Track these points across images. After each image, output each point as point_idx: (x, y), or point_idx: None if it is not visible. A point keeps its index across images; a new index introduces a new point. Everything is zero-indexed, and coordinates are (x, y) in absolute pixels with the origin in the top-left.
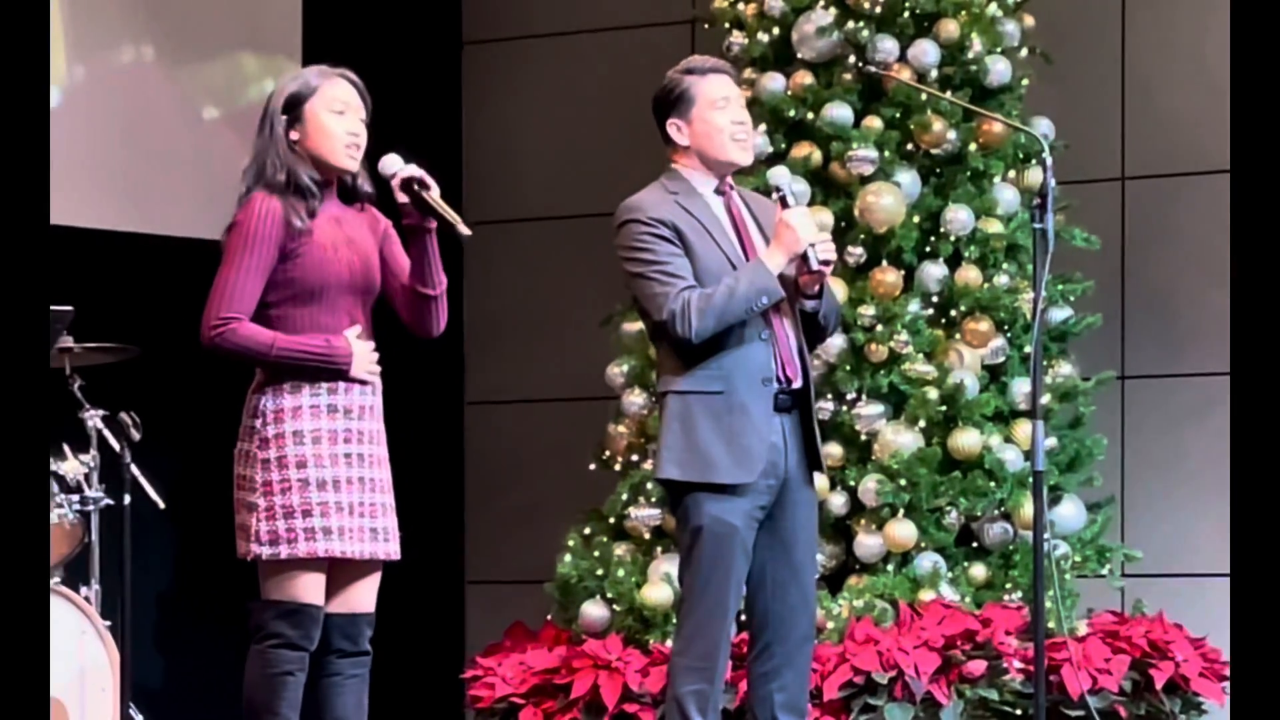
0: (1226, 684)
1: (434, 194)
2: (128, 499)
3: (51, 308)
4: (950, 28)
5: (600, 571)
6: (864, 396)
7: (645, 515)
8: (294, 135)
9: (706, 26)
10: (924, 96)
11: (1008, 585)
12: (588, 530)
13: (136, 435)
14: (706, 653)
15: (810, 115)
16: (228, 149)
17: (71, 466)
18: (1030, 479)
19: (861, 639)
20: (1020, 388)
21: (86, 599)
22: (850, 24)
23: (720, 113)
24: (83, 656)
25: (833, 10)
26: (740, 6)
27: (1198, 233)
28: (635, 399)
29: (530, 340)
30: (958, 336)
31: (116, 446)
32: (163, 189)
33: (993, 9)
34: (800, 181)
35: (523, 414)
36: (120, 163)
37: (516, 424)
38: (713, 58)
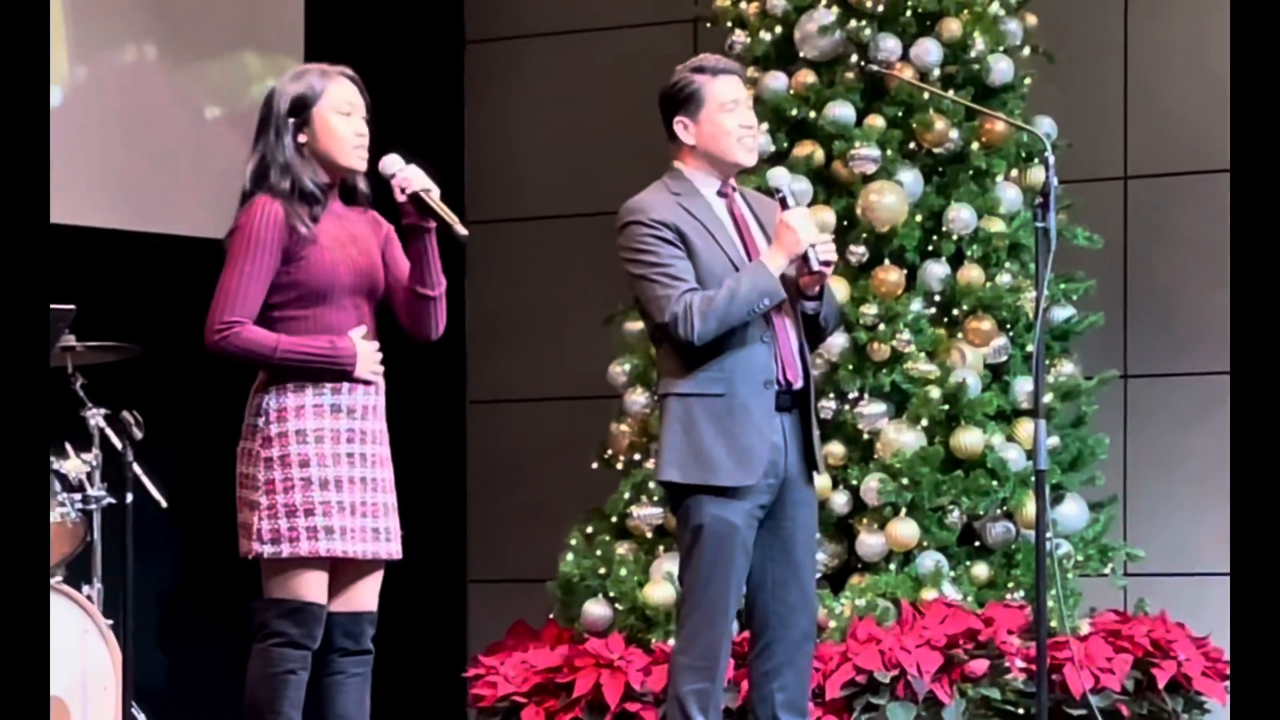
0: (1229, 683)
1: (434, 195)
2: (130, 498)
3: (53, 306)
4: (953, 27)
5: (602, 570)
6: (866, 395)
7: (647, 514)
8: (302, 138)
9: (709, 25)
10: (926, 95)
11: (1010, 584)
12: (590, 529)
13: (139, 434)
14: (708, 652)
15: (812, 114)
16: (230, 148)
17: (73, 465)
18: (1032, 478)
19: (864, 638)
20: (1022, 387)
21: (88, 598)
22: (852, 23)
23: (729, 115)
24: (85, 655)
25: (835, 9)
26: (742, 5)
27: (1200, 232)
28: (637, 398)
29: (532, 339)
30: (960, 335)
31: (119, 445)
32: (165, 188)
33: (995, 8)
34: (802, 181)
35: (525, 413)
36: (122, 162)
37: (519, 423)
38: (724, 58)
